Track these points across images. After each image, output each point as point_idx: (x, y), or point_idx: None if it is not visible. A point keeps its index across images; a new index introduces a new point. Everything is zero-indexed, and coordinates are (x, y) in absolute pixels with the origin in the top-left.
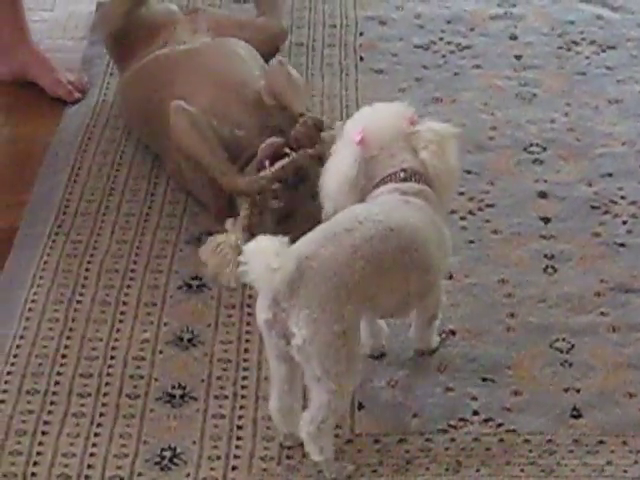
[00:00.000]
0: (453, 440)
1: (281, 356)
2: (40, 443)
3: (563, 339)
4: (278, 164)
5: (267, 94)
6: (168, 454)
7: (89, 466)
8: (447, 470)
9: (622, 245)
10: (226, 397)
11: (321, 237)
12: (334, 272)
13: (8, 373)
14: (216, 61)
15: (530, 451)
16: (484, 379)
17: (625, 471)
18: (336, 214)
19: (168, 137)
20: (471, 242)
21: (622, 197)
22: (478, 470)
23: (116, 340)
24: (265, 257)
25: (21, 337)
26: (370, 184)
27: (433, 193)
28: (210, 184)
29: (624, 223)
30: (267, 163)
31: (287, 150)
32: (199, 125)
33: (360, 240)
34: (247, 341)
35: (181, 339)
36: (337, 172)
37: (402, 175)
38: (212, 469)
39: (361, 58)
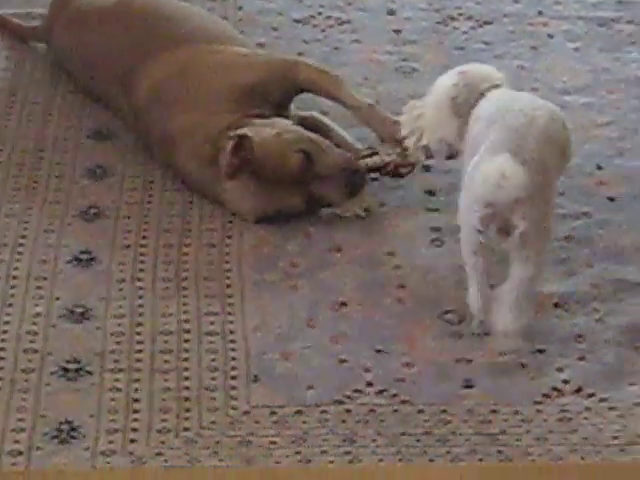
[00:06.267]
0: (349, 411)
1: (478, 251)
2: None
3: (453, 311)
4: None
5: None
6: (66, 428)
7: None
8: (344, 441)
9: None
10: (121, 370)
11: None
12: (543, 165)
13: None
14: None
15: (425, 421)
16: (377, 350)
17: (518, 440)
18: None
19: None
20: (357, 215)
21: None
22: (374, 440)
23: (8, 315)
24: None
25: None
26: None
27: None
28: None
29: None
30: None
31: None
32: None
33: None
34: (140, 315)
35: (73, 313)
36: (437, 96)
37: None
38: (110, 442)
39: (241, 32)
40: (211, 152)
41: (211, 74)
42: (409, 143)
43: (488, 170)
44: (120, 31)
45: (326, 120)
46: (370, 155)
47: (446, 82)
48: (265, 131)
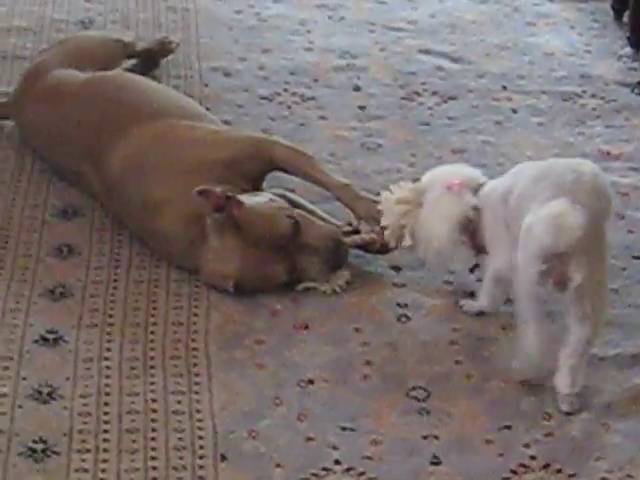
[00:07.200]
0: None
1: (537, 298)
2: None
3: (420, 387)
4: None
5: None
6: None
7: None
8: None
9: (472, 294)
10: (88, 451)
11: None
12: (595, 216)
13: None
14: None
15: None
16: (344, 428)
17: None
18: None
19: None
20: (333, 290)
21: None
22: None
23: None
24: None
25: None
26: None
27: None
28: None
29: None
30: None
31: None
32: None
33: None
34: (107, 394)
35: (40, 393)
36: (447, 215)
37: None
38: None
39: (207, 109)
40: (198, 214)
41: (189, 147)
42: (387, 235)
43: (546, 214)
44: (91, 107)
45: (298, 197)
46: (351, 232)
47: (451, 208)
48: (256, 197)
